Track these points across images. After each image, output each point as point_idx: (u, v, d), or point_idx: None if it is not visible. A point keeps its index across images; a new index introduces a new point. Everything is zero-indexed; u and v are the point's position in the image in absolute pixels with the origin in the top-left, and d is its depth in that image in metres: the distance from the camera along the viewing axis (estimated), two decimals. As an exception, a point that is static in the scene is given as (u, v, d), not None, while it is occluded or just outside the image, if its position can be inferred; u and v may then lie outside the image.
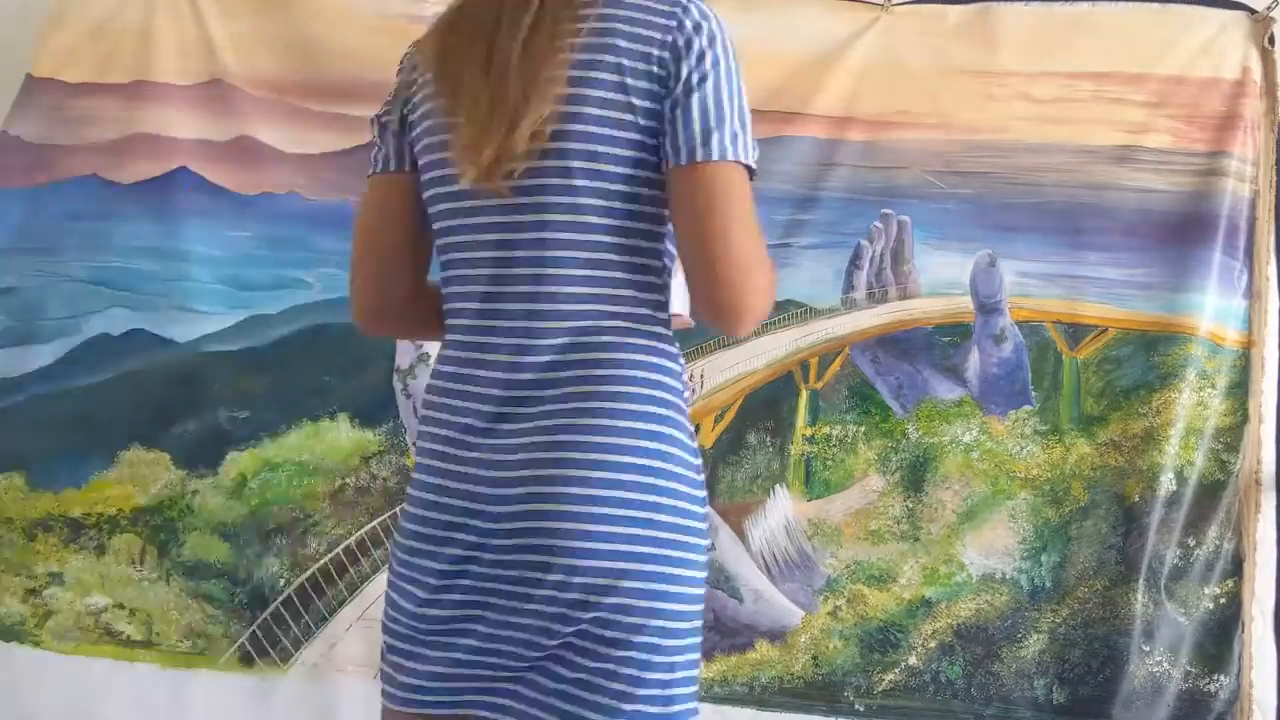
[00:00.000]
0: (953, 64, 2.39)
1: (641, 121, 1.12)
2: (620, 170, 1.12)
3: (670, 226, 1.17)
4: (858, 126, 2.40)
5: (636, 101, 1.12)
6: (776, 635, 2.35)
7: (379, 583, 2.32)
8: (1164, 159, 2.37)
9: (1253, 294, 2.36)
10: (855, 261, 2.43)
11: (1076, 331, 2.41)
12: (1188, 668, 2.31)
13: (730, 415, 2.42)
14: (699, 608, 1.16)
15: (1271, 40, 2.36)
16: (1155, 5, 2.37)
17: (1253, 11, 2.37)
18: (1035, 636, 2.34)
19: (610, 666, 1.10)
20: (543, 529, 1.09)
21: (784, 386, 2.43)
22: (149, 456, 2.38)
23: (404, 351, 2.38)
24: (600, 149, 1.12)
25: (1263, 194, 2.36)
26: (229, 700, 2.32)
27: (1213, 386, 2.34)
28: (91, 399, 2.38)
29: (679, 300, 1.21)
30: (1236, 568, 2.33)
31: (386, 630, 1.21)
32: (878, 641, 2.35)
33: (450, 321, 1.22)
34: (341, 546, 2.34)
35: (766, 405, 2.42)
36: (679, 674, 1.13)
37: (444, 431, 1.18)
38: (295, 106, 2.41)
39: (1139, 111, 2.37)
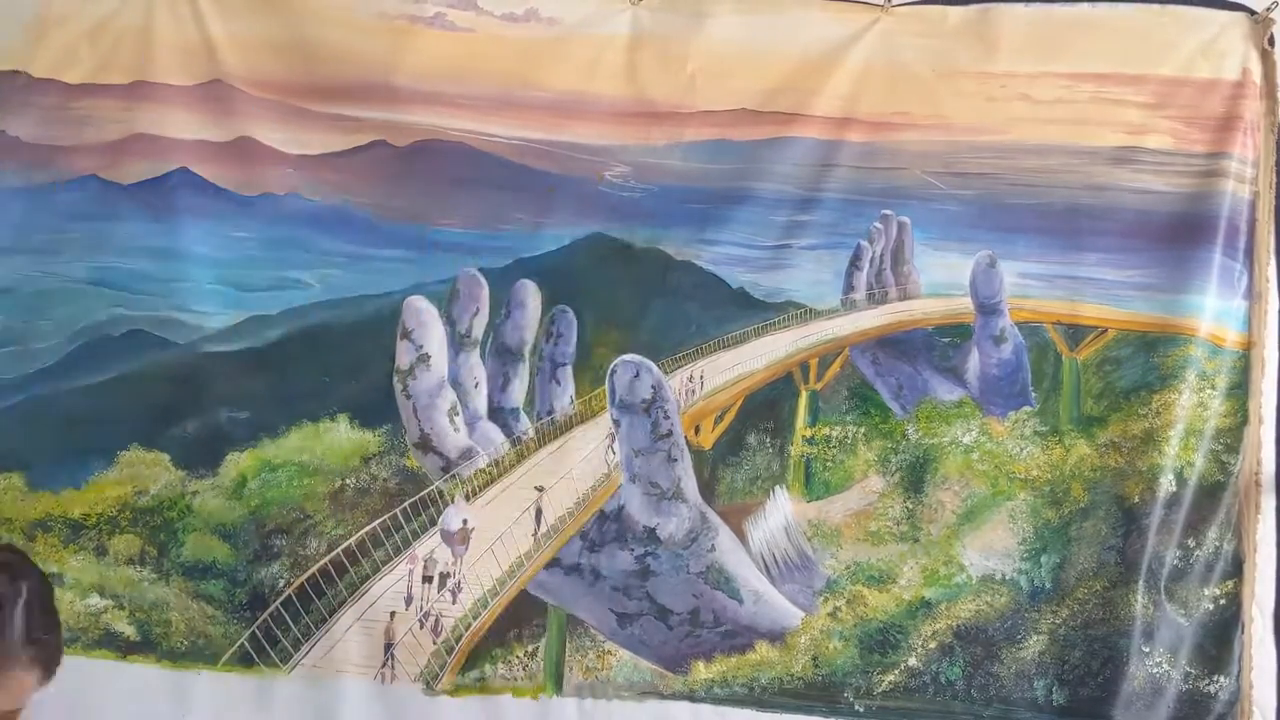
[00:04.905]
0: (953, 65, 2.40)
1: None
2: None
3: None
4: (857, 127, 2.40)
5: None
6: (776, 636, 2.36)
7: (379, 584, 2.32)
8: (1164, 160, 2.37)
9: (1253, 295, 2.36)
10: (855, 262, 2.43)
11: (1076, 332, 2.41)
12: (1188, 669, 2.31)
13: (730, 416, 2.42)
14: None
15: (1271, 41, 2.36)
16: (1155, 6, 2.37)
17: (1253, 13, 2.37)
18: (1035, 637, 2.34)
19: None
20: None
21: (784, 387, 2.43)
22: (149, 456, 2.38)
23: (404, 352, 2.39)
24: None
25: (1262, 195, 2.36)
26: (229, 700, 2.32)
27: (1212, 388, 2.35)
28: (91, 399, 2.38)
29: None
30: (1236, 569, 2.33)
31: None
32: (877, 642, 2.35)
33: None
34: (341, 547, 2.34)
35: (766, 406, 2.42)
36: None
37: None
38: (295, 107, 2.41)
39: (1139, 113, 2.38)
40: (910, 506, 2.39)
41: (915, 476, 2.40)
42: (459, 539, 2.33)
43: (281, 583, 2.34)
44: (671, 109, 2.41)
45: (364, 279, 2.41)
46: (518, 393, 2.43)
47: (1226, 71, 2.37)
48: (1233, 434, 2.34)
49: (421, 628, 2.30)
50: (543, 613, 2.35)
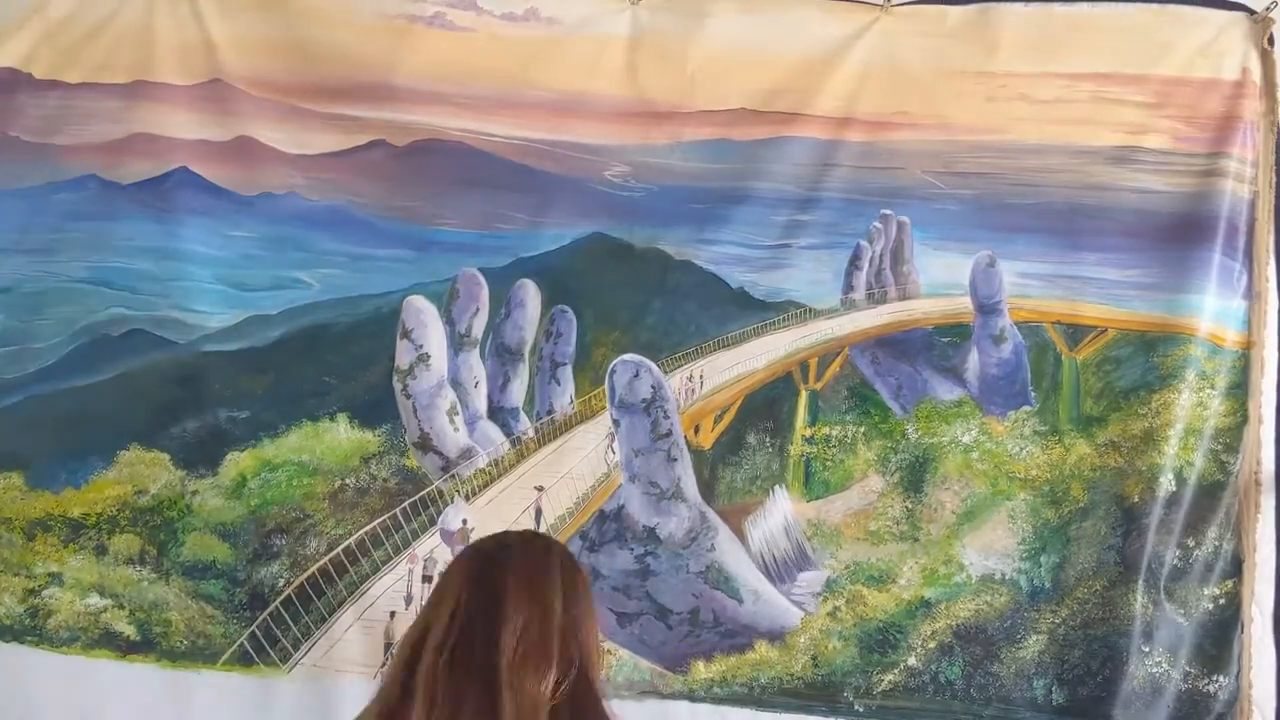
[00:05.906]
0: (952, 65, 2.39)
1: None
2: None
3: None
4: (857, 127, 2.40)
5: None
6: (776, 636, 2.36)
7: (379, 583, 2.33)
8: (1163, 160, 2.37)
9: (1252, 295, 2.36)
10: (855, 262, 2.43)
11: (1076, 332, 2.41)
12: (1187, 668, 2.31)
13: (730, 416, 2.42)
14: None
15: (1271, 41, 2.36)
16: (1155, 6, 2.37)
17: (1252, 12, 2.37)
18: (1034, 637, 2.34)
19: None
20: None
21: (783, 387, 2.43)
22: (149, 456, 2.38)
23: (404, 351, 2.39)
24: None
25: (1262, 195, 2.36)
26: (229, 700, 2.32)
27: (1212, 387, 2.35)
28: (91, 399, 2.38)
29: None
30: (1236, 568, 2.33)
31: None
32: (877, 642, 2.35)
33: None
34: (341, 547, 2.34)
35: (766, 406, 2.42)
36: None
37: None
38: (295, 106, 2.41)
39: (1138, 112, 2.38)
40: (910, 506, 2.39)
41: (915, 476, 2.40)
42: (459, 539, 2.33)
43: (281, 582, 2.34)
44: (671, 109, 2.41)
45: (364, 279, 2.41)
46: (517, 392, 2.43)
47: (1226, 71, 2.37)
48: (1232, 434, 2.34)
49: (421, 627, 2.30)
50: (542, 612, 2.35)
